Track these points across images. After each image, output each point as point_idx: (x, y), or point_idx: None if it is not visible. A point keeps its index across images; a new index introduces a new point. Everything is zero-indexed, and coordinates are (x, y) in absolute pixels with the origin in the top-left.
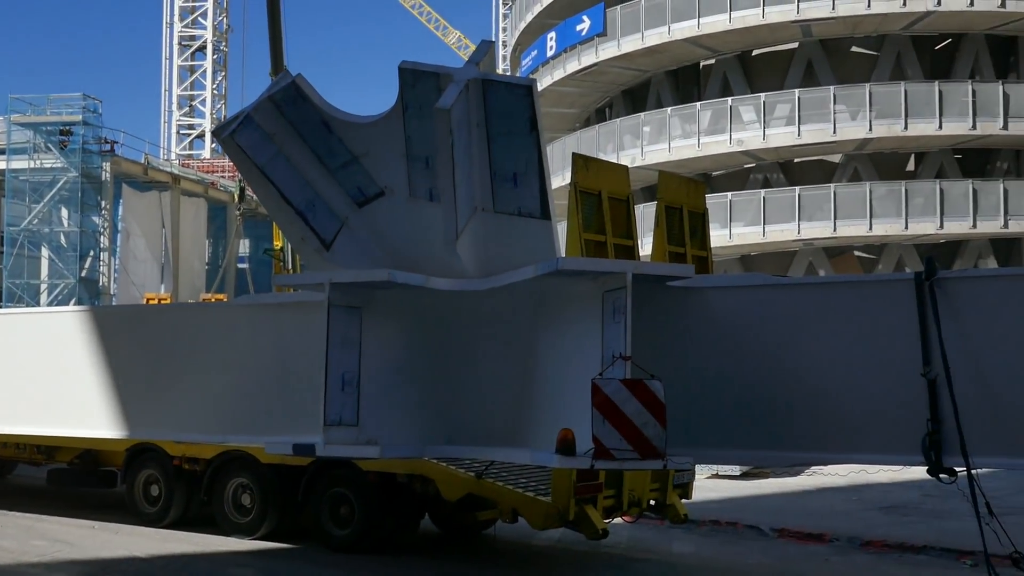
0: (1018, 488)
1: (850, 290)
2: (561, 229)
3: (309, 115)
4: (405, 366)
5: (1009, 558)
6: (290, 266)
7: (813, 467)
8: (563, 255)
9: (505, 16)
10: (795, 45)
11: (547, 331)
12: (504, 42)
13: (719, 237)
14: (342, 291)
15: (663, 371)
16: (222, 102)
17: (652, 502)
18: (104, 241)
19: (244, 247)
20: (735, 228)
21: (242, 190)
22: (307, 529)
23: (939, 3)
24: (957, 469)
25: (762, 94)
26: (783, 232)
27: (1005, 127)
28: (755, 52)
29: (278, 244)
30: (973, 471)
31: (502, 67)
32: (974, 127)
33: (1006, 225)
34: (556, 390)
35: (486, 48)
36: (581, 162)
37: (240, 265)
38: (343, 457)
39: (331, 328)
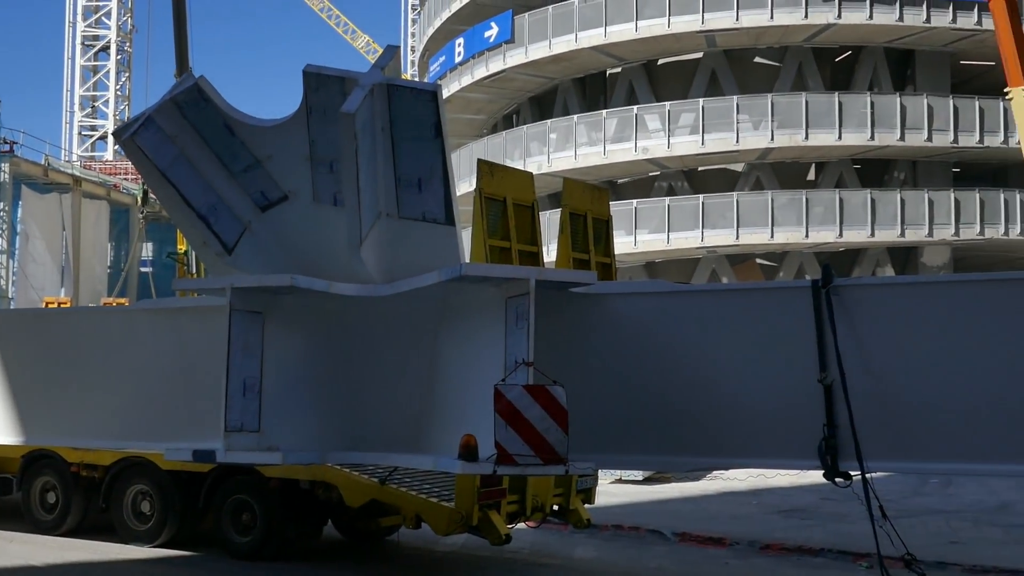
0: (913, 491)
1: (750, 297)
2: (467, 235)
3: (212, 118)
4: (308, 372)
5: (902, 560)
6: (194, 270)
7: (715, 471)
8: (468, 261)
9: (414, 21)
10: (700, 55)
11: (451, 337)
12: (413, 47)
13: (624, 244)
14: (244, 296)
15: (566, 377)
16: (125, 103)
17: (555, 507)
18: (2, 243)
19: (147, 250)
20: (640, 235)
21: (145, 193)
22: (208, 536)
23: (839, 16)
24: (852, 473)
25: (667, 103)
26: (687, 239)
27: (902, 138)
28: (661, 61)
29: (182, 248)
30: (868, 475)
31: (410, 72)
32: (872, 138)
33: (903, 234)
34: (460, 396)
35: (392, 53)
36: (486, 168)
37: (143, 269)
38: (244, 463)
39: (232, 333)
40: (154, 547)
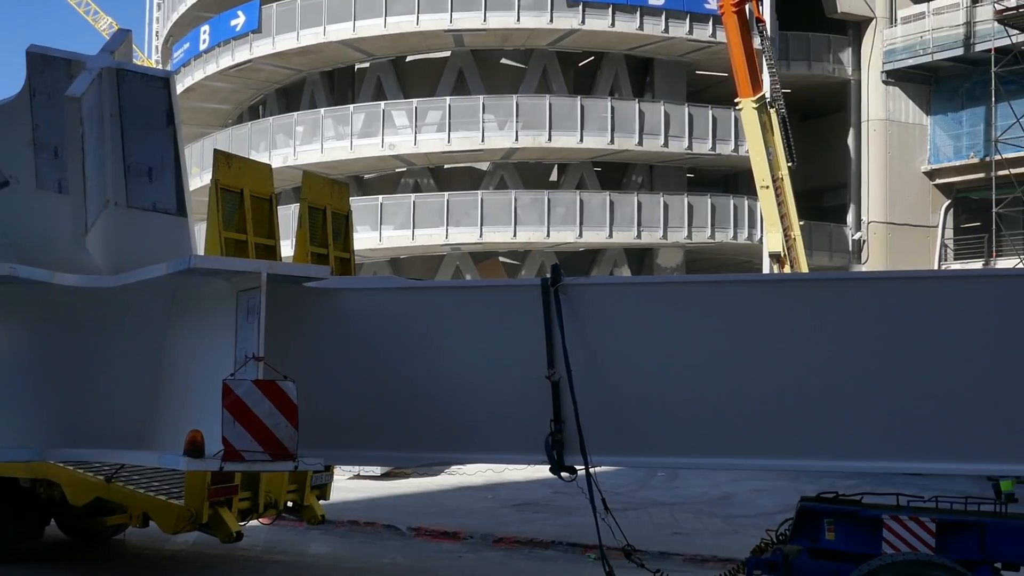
0: (641, 484)
1: (483, 294)
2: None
3: None
4: (28, 365)
5: (623, 551)
6: None
7: (453, 467)
8: (202, 253)
9: (159, 6)
10: (448, 54)
11: (180, 330)
12: (157, 32)
13: (370, 239)
14: None
15: (299, 372)
16: None
17: (290, 503)
18: None
19: None
20: (385, 231)
21: None
22: None
23: (583, 22)
24: (577, 467)
25: (415, 100)
26: (432, 236)
27: (640, 143)
28: (409, 58)
29: None
30: (592, 469)
31: (154, 59)
32: (612, 142)
33: (639, 235)
34: (188, 391)
35: (122, 36)
36: (223, 159)
37: None
38: None
39: None
40: None
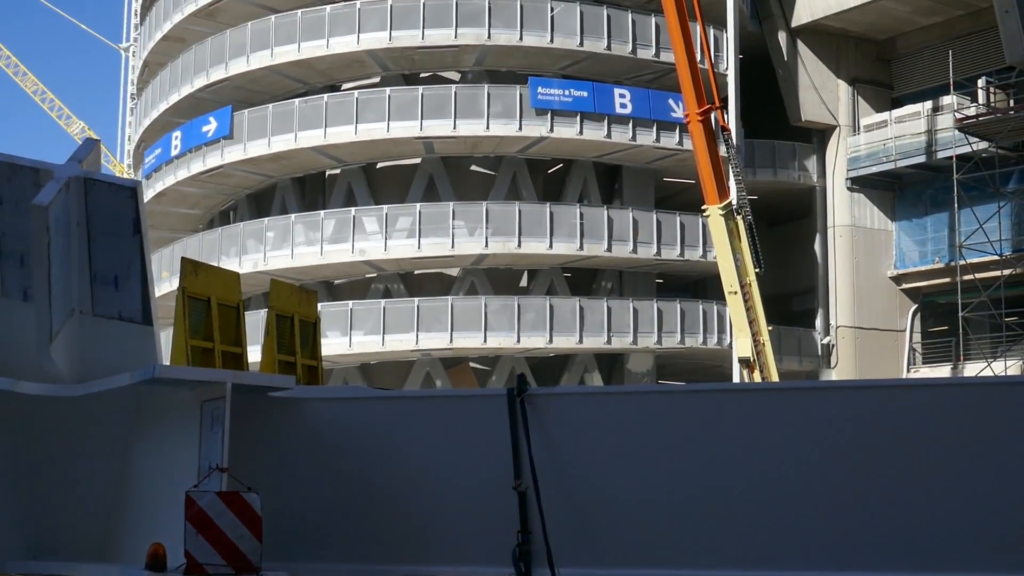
0: None
1: (449, 404)
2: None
3: None
4: None
5: None
6: None
7: None
8: (168, 361)
9: (132, 110)
10: (418, 160)
11: (144, 441)
12: (130, 136)
13: (340, 345)
14: None
15: (265, 483)
16: None
17: None
18: None
19: None
20: (355, 337)
21: None
22: None
23: (551, 130)
24: None
25: (385, 206)
26: (402, 342)
27: (609, 249)
28: (380, 164)
29: None
30: None
31: (126, 163)
32: (581, 248)
33: (609, 341)
34: (151, 502)
35: (91, 146)
36: (190, 267)
37: None
38: None
39: None
40: None
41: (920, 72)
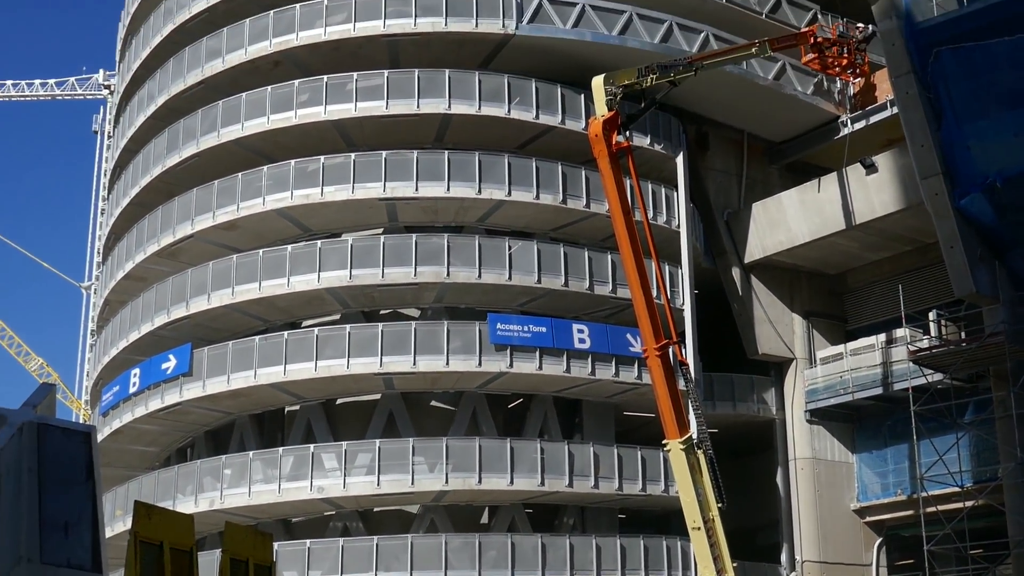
0: None
1: None
2: None
3: None
4: None
5: None
6: None
7: None
8: None
9: (91, 347)
10: (378, 396)
11: None
12: (88, 373)
13: None
14: None
15: None
16: None
17: None
18: None
19: None
20: None
21: None
22: None
23: (511, 365)
24: None
25: (344, 442)
26: None
27: (570, 484)
28: (339, 400)
29: None
30: None
31: (83, 399)
32: (543, 483)
33: None
34: None
35: (46, 391)
36: (143, 511)
37: None
38: None
39: None
40: None
41: (872, 306)
